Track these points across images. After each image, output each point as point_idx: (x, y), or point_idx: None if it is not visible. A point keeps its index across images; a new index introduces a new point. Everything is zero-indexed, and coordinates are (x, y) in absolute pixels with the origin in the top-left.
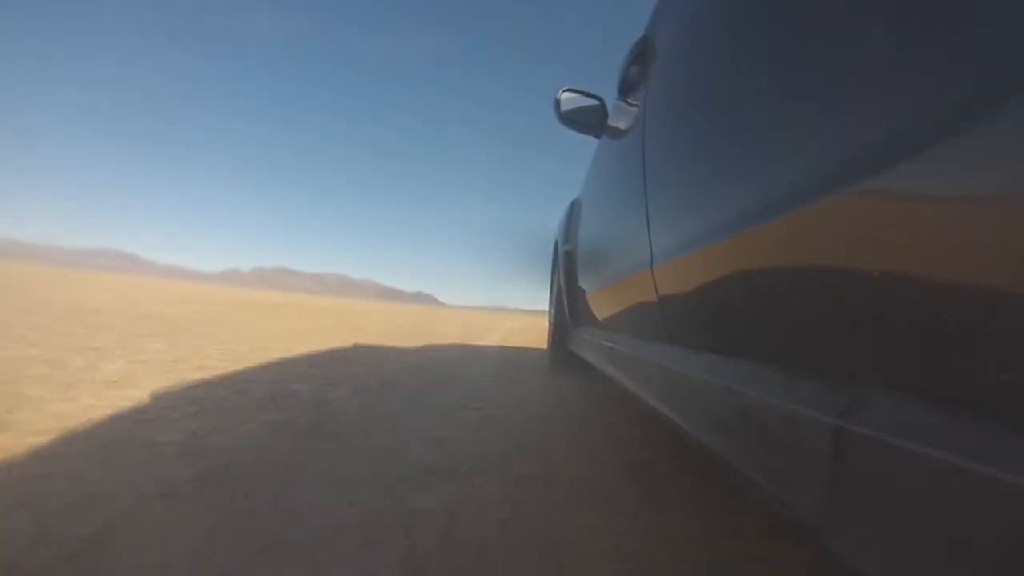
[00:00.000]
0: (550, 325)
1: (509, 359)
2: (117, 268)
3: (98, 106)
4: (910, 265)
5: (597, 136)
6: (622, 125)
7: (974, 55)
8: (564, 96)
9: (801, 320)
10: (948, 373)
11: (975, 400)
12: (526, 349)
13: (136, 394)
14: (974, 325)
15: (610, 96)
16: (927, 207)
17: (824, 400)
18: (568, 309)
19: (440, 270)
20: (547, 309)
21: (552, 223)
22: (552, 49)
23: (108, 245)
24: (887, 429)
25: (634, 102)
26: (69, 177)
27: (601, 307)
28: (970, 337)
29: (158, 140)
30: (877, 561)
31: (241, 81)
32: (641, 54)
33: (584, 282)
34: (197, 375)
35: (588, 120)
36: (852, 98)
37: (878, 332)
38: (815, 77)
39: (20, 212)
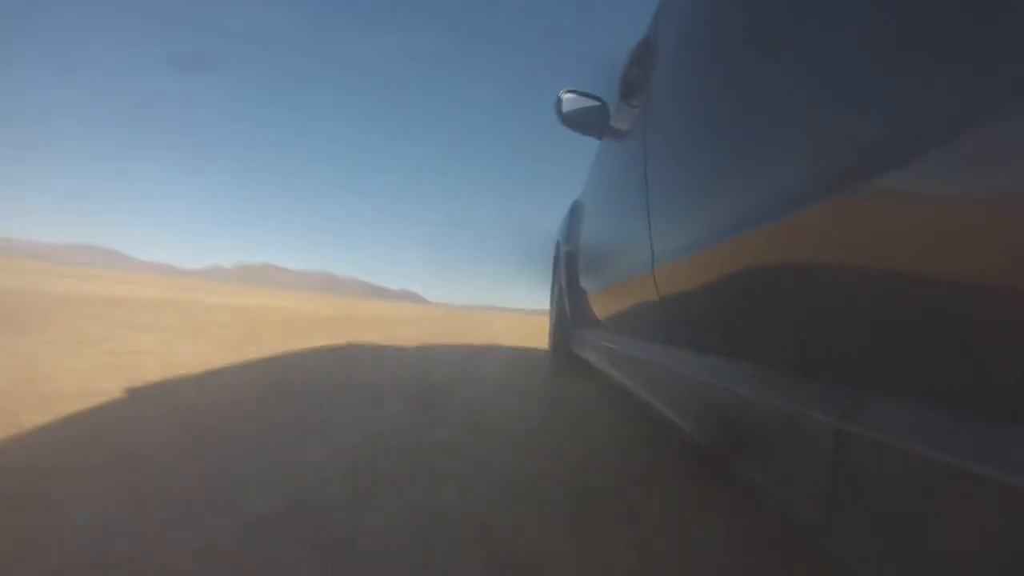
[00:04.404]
0: (551, 325)
1: None
2: (99, 264)
3: (78, 100)
4: (910, 267)
5: (598, 137)
6: (623, 126)
7: (974, 56)
8: (566, 97)
9: (802, 322)
10: (948, 374)
11: (975, 400)
12: None
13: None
14: (974, 326)
15: (612, 98)
16: (927, 209)
17: (825, 402)
18: (570, 310)
19: (426, 268)
20: (547, 308)
21: (547, 222)
22: (548, 49)
23: (89, 241)
24: (888, 430)
25: (635, 104)
26: (48, 172)
27: (602, 308)
28: (970, 338)
29: (142, 135)
30: (878, 562)
31: (228, 76)
32: (643, 56)
33: (586, 283)
34: None
35: (589, 121)
36: (853, 101)
37: (878, 333)
38: (816, 79)
39: None
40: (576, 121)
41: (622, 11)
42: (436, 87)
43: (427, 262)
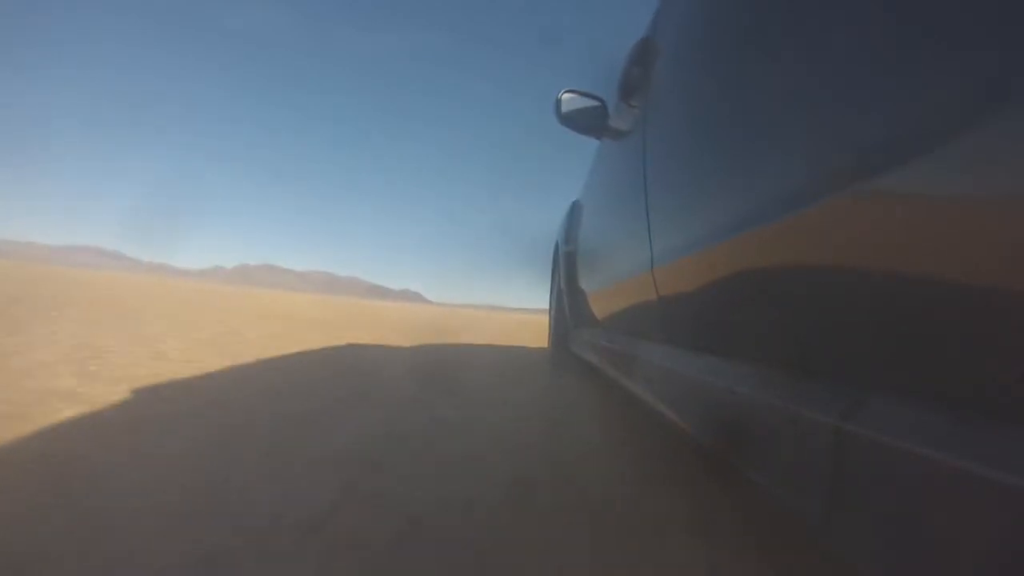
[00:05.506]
0: (551, 326)
1: None
2: (101, 266)
3: (78, 100)
4: (909, 266)
5: (598, 137)
6: (623, 127)
7: (974, 56)
8: (565, 97)
9: (802, 322)
10: (948, 374)
11: (975, 400)
12: None
13: None
14: (973, 325)
15: (611, 98)
16: (926, 209)
17: (825, 401)
18: (569, 310)
19: (428, 268)
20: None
21: (547, 222)
22: (548, 49)
23: (90, 242)
24: (887, 430)
25: (635, 104)
26: (48, 172)
27: (602, 308)
28: (970, 338)
29: (142, 135)
30: (878, 561)
31: (228, 76)
32: (642, 55)
33: (585, 283)
34: None
35: (589, 121)
36: (853, 101)
37: (878, 333)
38: (816, 79)
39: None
40: (575, 121)
41: (622, 11)
42: (436, 87)
43: (428, 262)
